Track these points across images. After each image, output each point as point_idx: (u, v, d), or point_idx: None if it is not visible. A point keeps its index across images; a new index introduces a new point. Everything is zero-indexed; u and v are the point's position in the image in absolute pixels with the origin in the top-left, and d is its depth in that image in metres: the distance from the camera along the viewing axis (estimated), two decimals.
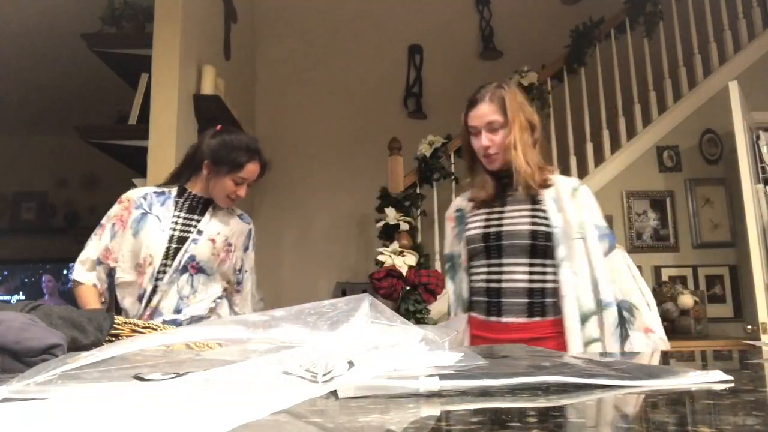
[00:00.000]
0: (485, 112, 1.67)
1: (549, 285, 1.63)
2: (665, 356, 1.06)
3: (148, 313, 1.83)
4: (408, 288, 3.10)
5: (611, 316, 1.57)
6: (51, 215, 6.04)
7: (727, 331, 3.65)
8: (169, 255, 1.84)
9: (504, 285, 1.64)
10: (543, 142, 1.77)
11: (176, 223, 1.89)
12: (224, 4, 3.99)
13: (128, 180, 3.27)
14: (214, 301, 1.91)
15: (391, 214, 3.42)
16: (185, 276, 1.85)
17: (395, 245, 3.26)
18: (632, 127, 4.03)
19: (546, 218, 1.64)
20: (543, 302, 1.63)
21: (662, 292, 3.49)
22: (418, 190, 3.70)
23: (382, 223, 3.46)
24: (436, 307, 3.27)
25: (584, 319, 1.58)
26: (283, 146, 4.86)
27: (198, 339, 0.93)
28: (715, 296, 3.77)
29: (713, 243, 3.84)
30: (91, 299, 1.88)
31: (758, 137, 3.69)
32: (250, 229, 2.06)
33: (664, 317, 3.48)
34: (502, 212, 1.69)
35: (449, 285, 1.87)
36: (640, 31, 4.18)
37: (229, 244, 1.95)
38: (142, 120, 3.08)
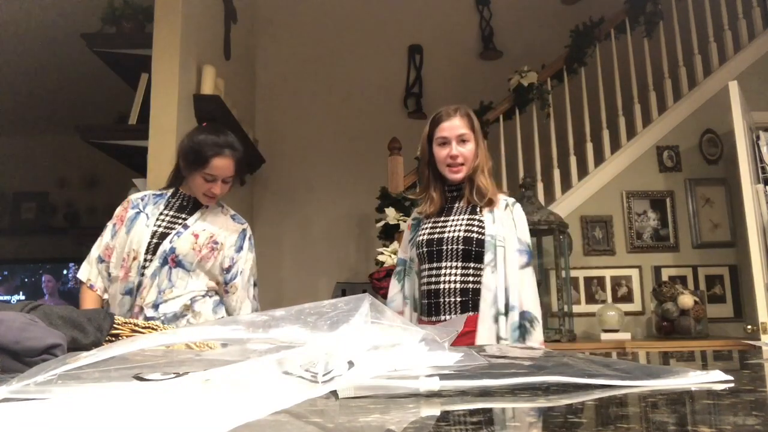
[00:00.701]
0: (458, 125, 1.87)
1: (479, 286, 1.83)
2: (665, 356, 1.06)
3: (136, 308, 1.87)
4: None
5: (512, 318, 1.77)
6: (51, 215, 6.04)
7: (727, 331, 3.65)
8: (150, 249, 1.89)
9: (441, 286, 1.84)
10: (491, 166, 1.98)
11: (162, 220, 1.95)
12: (224, 4, 3.99)
13: (128, 180, 3.27)
14: (191, 299, 1.91)
15: (391, 214, 3.42)
16: (165, 269, 1.88)
17: (395, 245, 3.26)
18: (632, 127, 4.03)
19: (482, 227, 1.85)
20: (475, 299, 1.82)
21: (662, 292, 3.49)
22: (418, 190, 3.70)
23: (382, 223, 3.46)
24: None
25: (496, 317, 1.78)
26: (283, 146, 4.87)
27: (198, 339, 0.93)
28: (715, 296, 3.77)
29: (713, 243, 3.84)
30: (87, 301, 1.95)
31: (758, 137, 3.69)
32: (244, 230, 2.06)
33: (664, 317, 3.48)
34: (446, 221, 1.90)
35: (394, 287, 2.03)
36: (640, 31, 4.18)
37: (215, 242, 1.96)
38: (142, 120, 3.08)
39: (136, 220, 1.95)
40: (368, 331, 0.59)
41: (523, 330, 1.77)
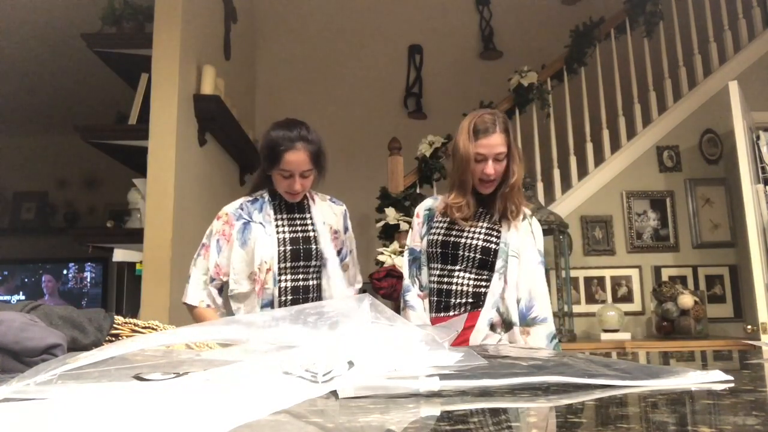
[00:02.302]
0: (498, 142, 1.80)
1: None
2: (665, 356, 1.06)
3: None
4: None
5: (548, 329, 1.80)
6: (51, 215, 6.04)
7: (727, 331, 3.65)
8: (286, 257, 1.86)
9: (453, 288, 1.85)
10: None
11: (281, 225, 1.91)
12: (224, 4, 3.99)
13: (128, 180, 3.27)
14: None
15: (391, 214, 3.42)
16: (322, 270, 1.89)
17: (395, 245, 3.26)
18: (632, 127, 4.03)
19: (498, 236, 1.85)
20: (481, 300, 1.84)
21: (662, 292, 3.49)
22: (418, 190, 3.70)
23: (382, 223, 3.46)
24: None
25: (491, 324, 1.79)
26: None
27: (198, 339, 0.93)
28: (715, 296, 3.77)
29: (713, 243, 3.84)
30: (208, 318, 1.86)
31: (758, 137, 3.69)
32: (344, 210, 2.07)
33: (664, 317, 3.48)
34: (463, 225, 1.87)
35: (411, 278, 1.98)
36: (640, 31, 4.18)
37: (336, 232, 1.99)
38: (142, 120, 3.08)
39: (248, 231, 1.88)
40: (368, 331, 0.59)
41: (556, 339, 1.84)
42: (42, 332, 0.76)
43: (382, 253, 3.25)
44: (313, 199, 2.00)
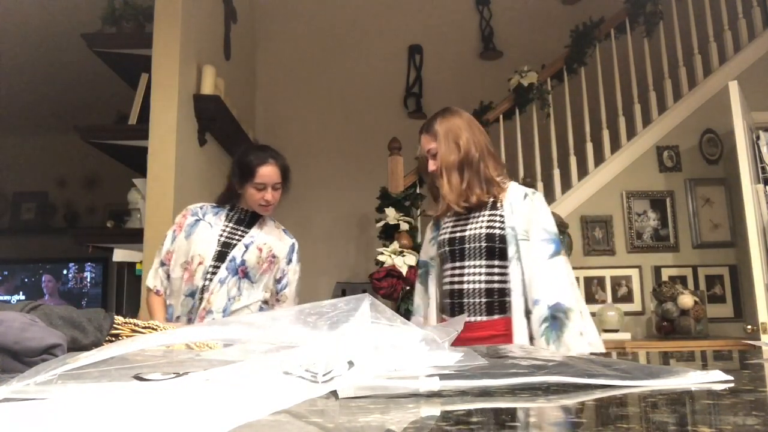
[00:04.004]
0: (425, 142, 1.90)
1: (506, 285, 1.77)
2: (665, 356, 1.06)
3: (203, 312, 2.00)
4: (408, 288, 3.10)
5: (539, 312, 1.68)
6: (51, 215, 6.04)
7: (727, 331, 3.65)
8: (216, 257, 2.04)
9: (465, 286, 1.79)
10: (492, 155, 1.92)
11: (224, 230, 2.11)
12: (224, 4, 3.99)
13: (128, 180, 3.27)
14: (249, 308, 2.07)
15: (391, 214, 3.42)
16: (234, 278, 2.04)
17: (395, 245, 3.26)
18: (632, 127, 4.03)
19: (503, 221, 1.80)
20: (502, 300, 1.76)
21: (662, 292, 3.49)
22: (418, 190, 3.70)
23: (382, 223, 3.46)
24: None
25: (527, 313, 1.71)
26: (282, 146, 4.82)
27: (198, 339, 0.93)
28: (715, 296, 3.77)
29: (713, 243, 3.84)
30: (157, 305, 2.10)
31: (758, 137, 3.69)
32: (293, 244, 2.23)
33: (664, 317, 3.48)
34: (467, 218, 1.86)
35: (418, 293, 2.02)
36: (640, 31, 4.18)
37: (273, 256, 2.14)
38: (142, 120, 3.08)
39: (195, 226, 2.11)
40: (368, 331, 0.59)
41: (557, 323, 1.65)
42: (42, 332, 0.76)
43: (382, 253, 3.25)
44: (266, 222, 2.19)
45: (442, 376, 0.55)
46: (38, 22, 4.26)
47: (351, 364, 0.54)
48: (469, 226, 1.84)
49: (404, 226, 3.40)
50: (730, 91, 3.31)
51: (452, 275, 1.84)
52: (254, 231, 2.13)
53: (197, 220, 2.13)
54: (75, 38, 3.31)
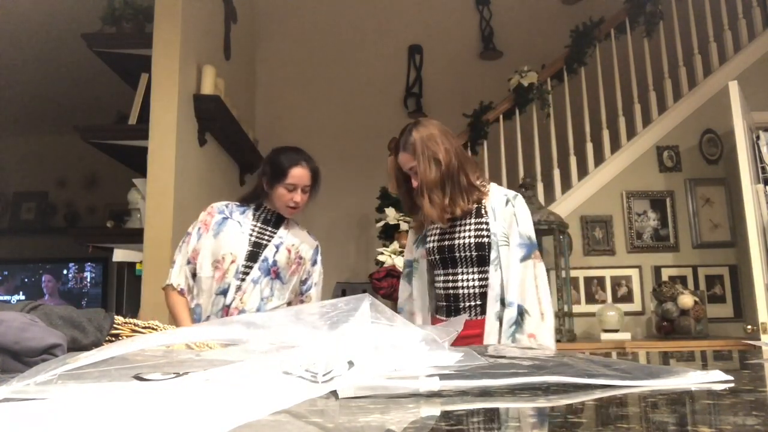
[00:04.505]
0: (405, 161, 1.92)
1: None
2: (665, 356, 1.06)
3: (235, 311, 1.97)
4: None
5: (509, 315, 1.76)
6: (51, 215, 6.03)
7: (727, 331, 3.65)
8: (249, 257, 2.03)
9: (460, 291, 1.86)
10: (468, 160, 1.95)
11: (253, 229, 2.09)
12: (224, 4, 3.99)
13: (128, 180, 3.27)
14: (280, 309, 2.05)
15: (391, 214, 3.42)
16: (267, 279, 2.04)
17: (395, 245, 3.26)
18: (632, 127, 4.03)
19: (488, 229, 1.84)
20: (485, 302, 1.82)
21: (662, 292, 3.49)
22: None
23: (382, 223, 3.46)
24: None
25: (499, 316, 1.78)
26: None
27: (198, 339, 0.93)
28: (715, 296, 3.77)
29: (713, 243, 3.84)
30: (179, 306, 2.03)
31: (758, 137, 3.69)
32: (317, 246, 2.26)
33: (664, 317, 3.48)
34: (453, 226, 1.88)
35: (404, 291, 2.04)
36: (640, 31, 4.18)
37: (300, 257, 2.15)
38: (142, 120, 3.08)
39: (224, 225, 2.07)
40: (368, 331, 0.59)
41: (517, 325, 1.75)
42: (42, 332, 0.76)
43: (382, 253, 3.25)
44: (291, 223, 2.18)
45: (442, 376, 0.55)
46: (38, 22, 4.26)
47: (351, 364, 0.54)
48: (456, 235, 1.87)
49: (404, 226, 3.40)
50: (730, 91, 3.31)
51: (446, 281, 1.89)
52: (282, 232, 2.12)
53: (225, 218, 2.09)
54: (75, 38, 3.31)
